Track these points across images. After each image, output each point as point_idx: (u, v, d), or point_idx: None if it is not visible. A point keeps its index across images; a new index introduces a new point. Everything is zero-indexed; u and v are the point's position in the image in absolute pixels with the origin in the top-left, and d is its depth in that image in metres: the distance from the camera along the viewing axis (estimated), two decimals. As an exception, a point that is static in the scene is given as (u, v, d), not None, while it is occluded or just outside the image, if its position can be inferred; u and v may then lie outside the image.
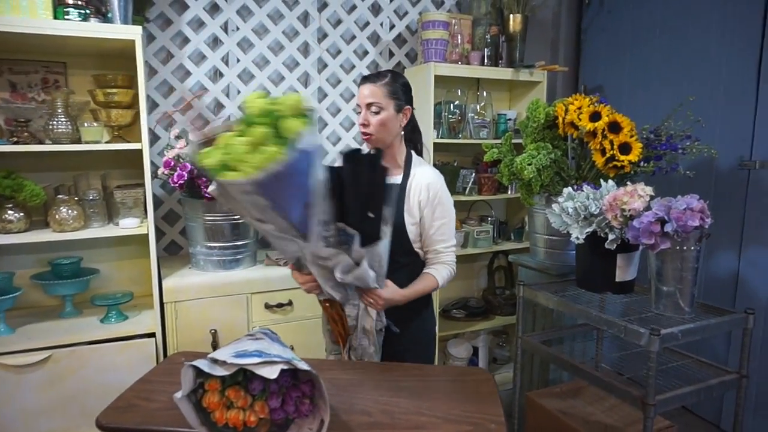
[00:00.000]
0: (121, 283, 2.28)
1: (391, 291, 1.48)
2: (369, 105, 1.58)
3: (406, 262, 1.62)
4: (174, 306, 2.01)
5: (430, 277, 1.61)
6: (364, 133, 1.61)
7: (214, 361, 0.98)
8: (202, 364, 0.95)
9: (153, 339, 1.97)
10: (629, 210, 1.57)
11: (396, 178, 1.63)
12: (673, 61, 2.64)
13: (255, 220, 1.20)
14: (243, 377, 1.02)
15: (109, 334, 1.94)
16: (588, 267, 1.86)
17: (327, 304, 1.50)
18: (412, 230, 1.61)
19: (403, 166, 1.66)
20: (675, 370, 1.74)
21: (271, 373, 0.94)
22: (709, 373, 1.68)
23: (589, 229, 1.74)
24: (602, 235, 1.73)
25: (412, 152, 1.70)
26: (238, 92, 2.50)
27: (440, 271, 1.62)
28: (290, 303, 2.18)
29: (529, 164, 2.06)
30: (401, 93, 1.62)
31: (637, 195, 1.57)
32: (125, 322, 2.03)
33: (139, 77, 1.87)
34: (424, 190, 1.61)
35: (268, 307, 2.16)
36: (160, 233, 2.40)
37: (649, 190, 1.60)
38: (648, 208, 1.57)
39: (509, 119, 2.84)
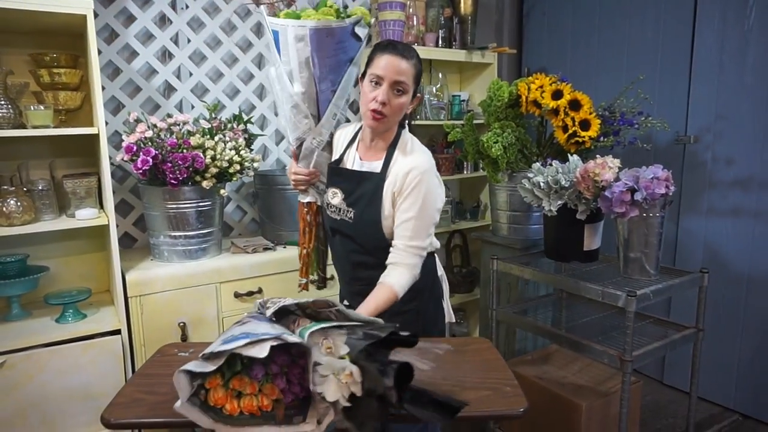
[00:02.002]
0: (73, 281, 2.11)
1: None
2: (396, 83, 1.36)
3: (384, 258, 1.43)
4: (139, 300, 1.90)
5: (385, 289, 1.37)
6: (376, 113, 1.37)
7: (205, 359, 0.95)
8: (192, 366, 0.91)
9: (118, 336, 1.85)
10: (601, 181, 1.66)
11: (375, 164, 1.47)
12: (613, 46, 2.80)
13: (290, 78, 1.50)
14: (241, 366, 0.99)
15: (68, 335, 1.79)
16: (556, 238, 1.95)
17: (305, 209, 1.63)
18: (386, 225, 1.43)
19: (385, 151, 1.48)
20: (638, 330, 1.87)
21: (261, 351, 0.90)
22: (670, 331, 1.83)
23: (561, 202, 1.83)
24: (572, 206, 1.83)
25: (403, 132, 1.49)
26: (190, 74, 2.38)
27: (399, 278, 1.39)
28: (260, 290, 2.12)
29: (496, 142, 2.13)
30: (421, 75, 1.45)
31: (608, 167, 1.67)
32: (84, 320, 1.89)
33: (92, 56, 1.73)
34: (400, 179, 1.40)
35: (237, 296, 2.09)
36: (111, 225, 2.25)
37: (617, 162, 1.70)
38: (617, 179, 1.67)
39: (463, 100, 2.90)
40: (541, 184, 1.86)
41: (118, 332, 1.86)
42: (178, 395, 0.93)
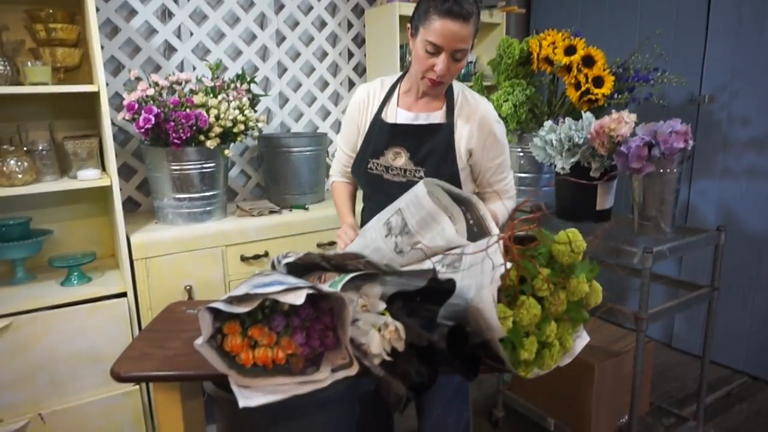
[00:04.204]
0: (78, 244, 2.09)
1: None
2: (456, 51, 1.27)
3: None
4: (145, 263, 1.87)
5: (496, 214, 1.34)
6: (434, 82, 1.31)
7: (231, 300, 0.92)
8: (221, 305, 0.88)
9: (125, 299, 1.83)
10: (617, 136, 1.61)
11: (435, 115, 1.39)
12: (626, 4, 2.71)
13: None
14: (262, 315, 0.96)
15: (73, 297, 1.77)
16: (569, 198, 1.91)
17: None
18: (464, 174, 1.41)
19: (441, 100, 1.41)
20: (651, 290, 1.84)
21: (297, 298, 0.88)
22: (682, 291, 1.80)
23: (574, 159, 1.78)
24: (585, 164, 1.78)
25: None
26: (191, 34, 2.31)
27: (499, 206, 1.42)
28: (266, 254, 2.09)
29: (506, 101, 2.07)
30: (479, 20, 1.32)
31: (624, 122, 1.61)
32: (89, 283, 1.87)
33: (90, 11, 1.66)
34: (477, 129, 1.37)
35: (244, 259, 2.06)
36: (114, 189, 2.21)
37: (634, 117, 1.65)
38: (633, 134, 1.62)
39: (470, 62, 2.83)
40: (554, 141, 1.81)
41: (124, 295, 1.84)
42: (201, 333, 0.90)
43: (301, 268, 1.21)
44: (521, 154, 2.25)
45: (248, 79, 2.11)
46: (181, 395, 1.08)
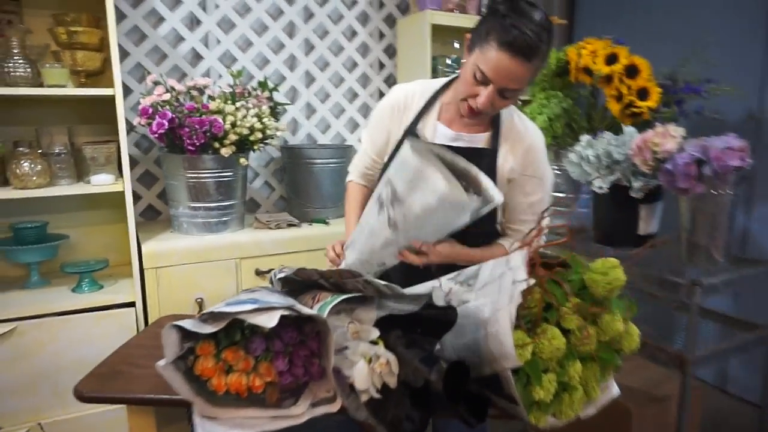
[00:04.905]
0: (93, 251, 2.06)
1: (448, 246, 1.18)
2: (506, 89, 1.11)
3: (483, 243, 1.29)
4: (155, 272, 1.81)
5: (501, 250, 1.27)
6: (472, 111, 1.16)
7: (203, 320, 0.82)
8: (186, 323, 0.78)
9: (133, 309, 1.78)
10: (661, 152, 1.44)
11: (479, 138, 1.24)
12: (677, 12, 2.52)
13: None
14: (241, 336, 0.85)
15: (83, 305, 1.73)
16: (608, 220, 1.74)
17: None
18: (500, 208, 1.27)
19: (491, 122, 1.26)
20: (701, 328, 1.64)
21: (269, 320, 0.77)
22: (739, 331, 1.59)
23: (613, 178, 1.61)
24: (626, 183, 1.61)
25: None
26: (218, 42, 2.28)
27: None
28: (282, 269, 2.00)
29: (540, 113, 1.92)
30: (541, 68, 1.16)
31: (669, 136, 1.45)
32: (100, 291, 1.83)
33: (109, 15, 1.64)
34: (520, 157, 1.23)
35: (259, 273, 1.98)
36: (136, 197, 2.19)
37: (681, 130, 1.47)
38: (681, 149, 1.45)
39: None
40: (591, 157, 1.65)
41: (132, 305, 1.78)
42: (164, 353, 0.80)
43: (300, 285, 1.11)
44: (558, 172, 2.10)
45: (270, 87, 2.05)
46: (156, 420, 0.99)
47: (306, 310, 0.80)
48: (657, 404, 1.66)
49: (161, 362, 0.78)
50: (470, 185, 1.09)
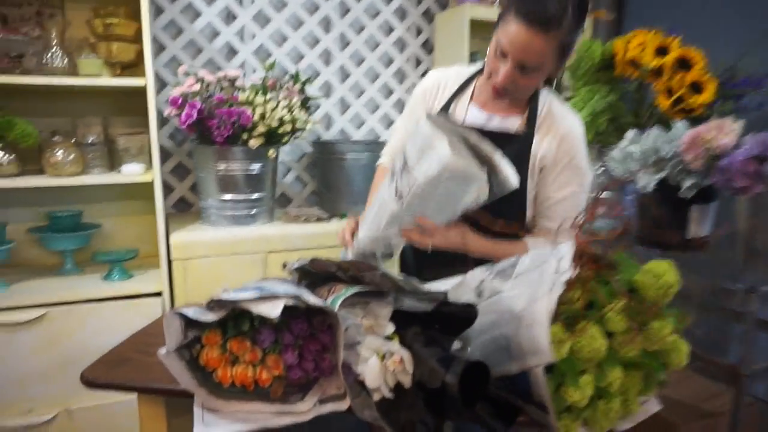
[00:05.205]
0: (125, 241, 2.08)
1: (457, 230, 1.09)
2: (522, 62, 1.04)
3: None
4: (183, 264, 1.81)
5: (521, 246, 1.15)
6: (495, 90, 1.10)
7: (209, 307, 0.77)
8: (189, 311, 0.74)
9: (160, 299, 1.78)
10: (716, 148, 1.32)
11: (512, 121, 1.17)
12: (735, 2, 2.35)
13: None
14: (250, 327, 0.81)
15: (111, 293, 1.75)
16: (653, 222, 1.62)
17: None
18: (530, 197, 1.17)
19: (527, 102, 1.17)
20: (757, 340, 1.50)
21: (272, 309, 0.72)
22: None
23: (661, 175, 1.50)
24: (675, 182, 1.49)
25: (544, 89, 1.19)
26: (253, 36, 2.27)
27: (541, 243, 1.14)
28: (310, 264, 1.97)
29: (582, 108, 1.82)
30: (577, 34, 1.05)
31: (726, 130, 1.33)
32: (129, 280, 1.84)
33: (143, 7, 1.65)
34: (555, 145, 1.12)
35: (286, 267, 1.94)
36: (168, 188, 2.20)
37: (739, 125, 1.35)
38: (738, 145, 1.33)
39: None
40: (636, 154, 1.54)
41: (159, 294, 1.78)
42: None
43: (318, 278, 1.06)
44: (600, 170, 1.98)
45: (302, 80, 2.03)
46: (166, 411, 0.96)
47: (314, 300, 0.75)
48: (705, 420, 1.53)
49: (162, 350, 0.74)
50: (491, 172, 1.01)
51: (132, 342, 1.01)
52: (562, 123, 1.15)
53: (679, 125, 1.53)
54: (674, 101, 1.69)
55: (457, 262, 1.03)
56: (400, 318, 0.82)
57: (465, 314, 0.73)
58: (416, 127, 1.03)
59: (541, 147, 1.15)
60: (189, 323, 0.78)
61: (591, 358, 0.71)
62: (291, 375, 0.80)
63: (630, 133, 1.61)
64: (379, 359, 0.75)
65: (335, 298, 0.85)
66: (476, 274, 0.90)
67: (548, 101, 1.19)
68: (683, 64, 1.69)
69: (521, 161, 1.12)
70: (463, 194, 1.01)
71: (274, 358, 0.81)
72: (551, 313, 0.68)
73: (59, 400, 1.69)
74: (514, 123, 1.17)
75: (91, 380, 0.86)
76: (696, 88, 1.67)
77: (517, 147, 1.13)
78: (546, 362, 0.69)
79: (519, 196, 1.14)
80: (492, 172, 1.01)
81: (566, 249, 0.77)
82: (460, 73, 1.28)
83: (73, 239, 1.85)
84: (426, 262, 1.27)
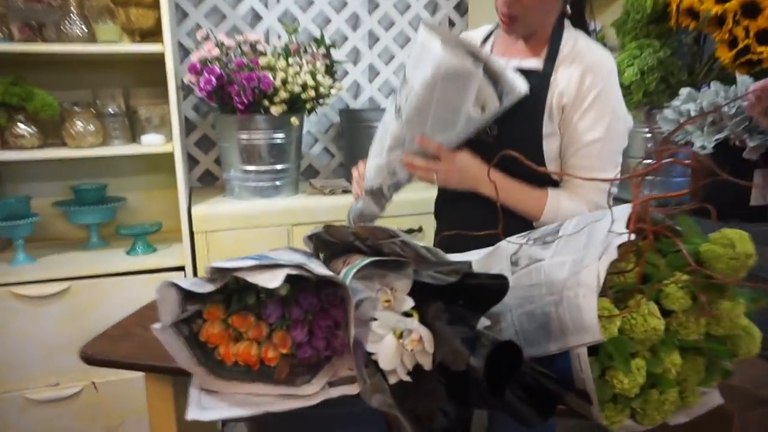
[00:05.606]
0: (150, 215, 2.05)
1: (466, 156, 1.01)
2: None
3: None
4: (205, 236, 1.76)
5: (541, 194, 1.04)
6: (503, 19, 1.02)
7: (211, 278, 0.70)
8: (184, 281, 0.67)
9: (182, 273, 1.74)
10: (789, 101, 1.16)
11: (530, 62, 1.05)
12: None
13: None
14: (256, 301, 0.73)
15: (135, 267, 1.72)
16: (710, 188, 1.46)
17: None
18: (548, 148, 1.04)
19: (548, 41, 1.05)
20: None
21: (271, 279, 0.64)
22: None
23: (720, 136, 1.34)
24: (737, 143, 1.33)
25: (566, 28, 1.06)
26: (278, 0, 2.17)
27: (565, 199, 1.03)
28: (337, 238, 1.89)
29: (630, 65, 1.65)
30: None
31: (801, 81, 1.16)
32: (153, 254, 1.81)
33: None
34: (575, 81, 0.99)
35: (311, 241, 1.88)
36: (193, 161, 2.16)
37: (817, 74, 1.18)
38: (815, 98, 1.16)
39: (591, 30, 2.39)
40: (692, 112, 1.38)
41: (182, 269, 1.75)
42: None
43: (334, 248, 0.97)
44: (648, 135, 1.82)
45: (327, 43, 1.92)
46: (173, 389, 0.90)
47: (320, 270, 0.66)
48: (764, 408, 1.39)
49: (157, 324, 0.67)
50: (498, 80, 0.96)
51: (137, 316, 0.95)
52: (586, 55, 1.01)
53: (744, 79, 1.36)
54: (737, 53, 1.51)
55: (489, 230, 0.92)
56: (421, 292, 0.73)
57: (494, 287, 0.63)
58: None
59: (560, 81, 1.02)
60: (189, 296, 0.71)
61: (645, 339, 0.60)
62: (300, 353, 0.72)
63: (685, 91, 1.45)
64: (395, 338, 0.66)
65: (349, 269, 0.76)
66: (512, 242, 0.79)
67: (574, 37, 1.05)
68: (750, 9, 1.49)
69: (537, 100, 1.01)
70: (462, 99, 0.94)
71: (281, 334, 0.73)
72: (600, 284, 0.57)
73: (84, 373, 1.69)
74: (531, 63, 1.05)
75: (90, 356, 0.80)
76: (764, 37, 1.48)
77: (533, 86, 1.00)
78: (592, 341, 0.58)
79: (532, 141, 1.03)
80: (496, 80, 0.94)
81: (622, 213, 0.65)
82: (486, 29, 1.22)
83: (97, 213, 1.83)
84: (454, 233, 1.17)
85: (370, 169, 1.11)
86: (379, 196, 1.14)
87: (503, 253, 0.77)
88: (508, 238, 0.83)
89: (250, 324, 0.72)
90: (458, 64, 0.90)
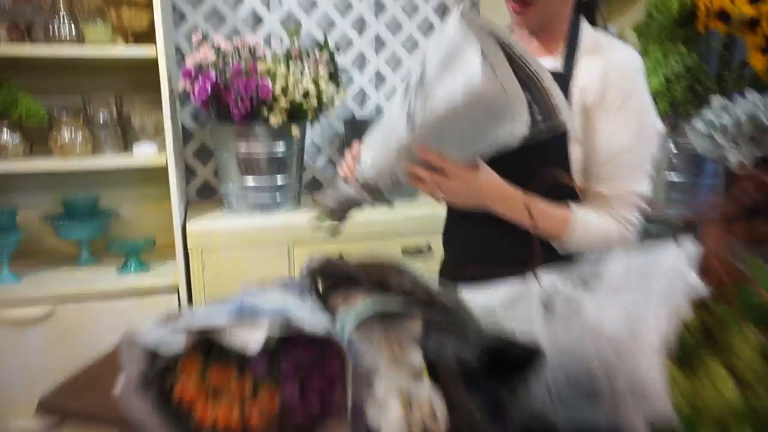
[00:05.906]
0: (144, 229, 1.94)
1: (479, 172, 0.88)
2: None
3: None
4: (200, 255, 1.66)
5: (564, 212, 0.93)
6: (513, 5, 0.94)
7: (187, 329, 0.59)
8: (150, 336, 0.56)
9: (176, 295, 1.64)
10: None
11: (547, 61, 0.93)
12: None
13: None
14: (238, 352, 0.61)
15: (126, 286, 1.62)
16: (747, 209, 1.34)
17: None
18: (577, 153, 0.93)
19: (564, 41, 0.96)
20: None
21: (250, 341, 0.53)
22: None
23: (759, 154, 1.22)
24: (779, 159, 1.21)
25: (584, 24, 0.96)
26: (280, 2, 2.08)
27: (595, 217, 0.92)
28: (341, 257, 1.78)
29: (655, 72, 1.54)
30: None
31: None
32: (146, 273, 1.70)
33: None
34: (598, 80, 0.90)
35: (313, 259, 1.77)
36: (191, 172, 2.06)
37: None
38: None
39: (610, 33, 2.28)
40: (728, 125, 1.27)
41: (176, 290, 1.64)
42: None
43: (337, 279, 0.86)
44: (675, 151, 1.70)
45: (331, 48, 1.82)
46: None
47: (311, 325, 0.55)
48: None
49: (121, 385, 0.56)
50: (536, 99, 0.78)
51: (112, 359, 0.84)
52: (608, 50, 0.92)
53: (784, 88, 1.24)
54: (774, 60, 1.39)
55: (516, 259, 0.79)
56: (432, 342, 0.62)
57: (525, 354, 0.52)
58: (441, 31, 0.80)
59: (581, 76, 0.91)
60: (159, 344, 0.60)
61: (718, 412, 0.49)
62: (291, 416, 0.61)
63: (716, 101, 1.34)
64: (402, 406, 0.55)
65: (348, 315, 0.65)
66: (543, 280, 0.67)
67: (593, 35, 0.95)
68: (787, 14, 1.38)
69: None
70: (495, 126, 0.77)
71: (268, 391, 0.62)
72: (666, 343, 0.46)
73: (72, 400, 1.58)
74: (549, 62, 0.93)
75: (51, 407, 0.69)
76: (802, 43, 1.37)
77: (557, 83, 0.88)
78: (657, 412, 0.47)
79: (559, 143, 0.90)
80: (542, 110, 0.78)
81: (686, 247, 0.54)
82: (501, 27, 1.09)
83: (88, 227, 1.73)
84: (469, 260, 1.05)
85: (366, 160, 0.95)
86: (375, 192, 1.00)
87: (532, 294, 0.66)
88: (532, 276, 0.71)
89: (229, 378, 0.61)
90: (500, 94, 0.72)
